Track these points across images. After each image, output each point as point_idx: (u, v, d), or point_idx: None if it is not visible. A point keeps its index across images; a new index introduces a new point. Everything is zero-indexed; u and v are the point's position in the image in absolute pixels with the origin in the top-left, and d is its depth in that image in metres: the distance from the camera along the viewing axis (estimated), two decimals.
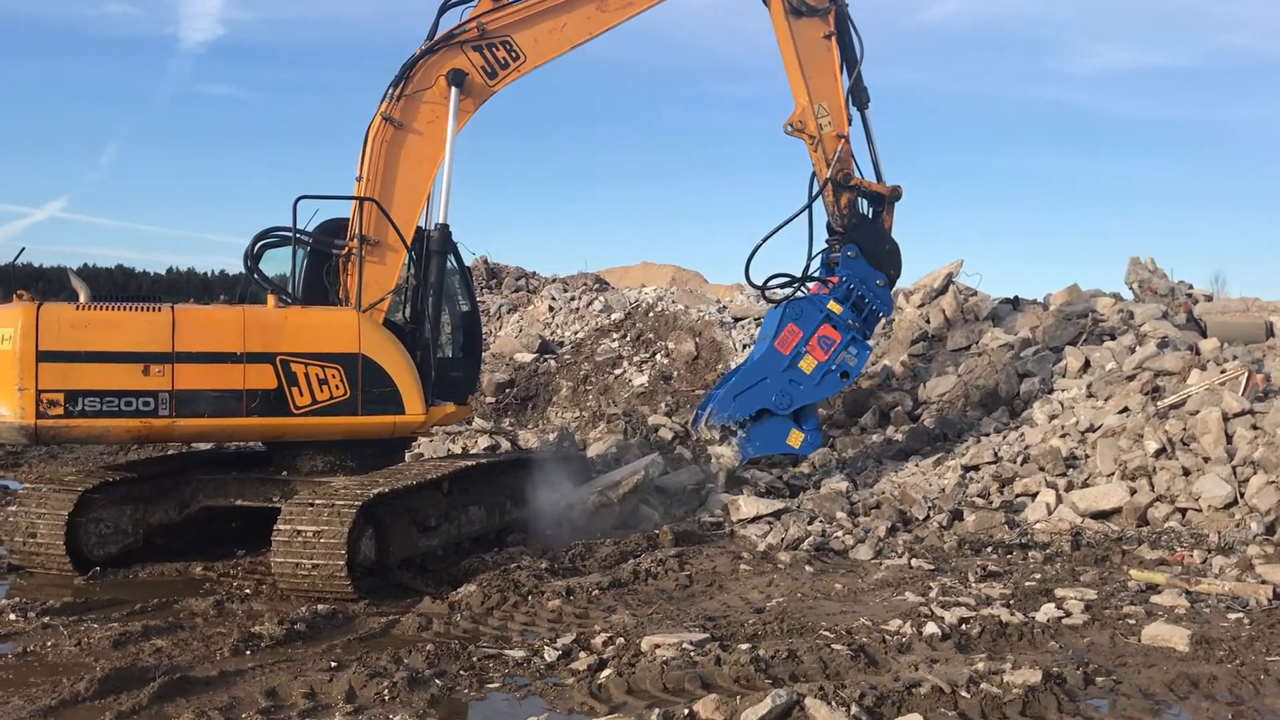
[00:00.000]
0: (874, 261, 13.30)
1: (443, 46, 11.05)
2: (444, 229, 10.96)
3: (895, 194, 13.56)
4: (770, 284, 13.61)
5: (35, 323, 9.08)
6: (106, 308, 9.45)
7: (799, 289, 13.46)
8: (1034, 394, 14.87)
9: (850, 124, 13.32)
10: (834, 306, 13.03)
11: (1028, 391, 15.01)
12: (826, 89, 13.15)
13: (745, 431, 13.08)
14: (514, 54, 11.32)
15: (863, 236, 13.28)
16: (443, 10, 11.38)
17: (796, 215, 13.14)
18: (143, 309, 9.51)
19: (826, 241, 13.50)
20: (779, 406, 12.94)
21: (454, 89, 10.94)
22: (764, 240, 12.90)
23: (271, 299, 10.06)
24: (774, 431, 13.11)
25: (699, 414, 13.46)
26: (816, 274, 13.50)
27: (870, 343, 13.76)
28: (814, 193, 13.18)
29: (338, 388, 9.92)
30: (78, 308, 9.36)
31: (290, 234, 10.42)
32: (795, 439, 13.19)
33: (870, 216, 13.53)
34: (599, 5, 11.78)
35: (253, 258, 10.42)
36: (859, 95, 13.53)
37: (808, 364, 12.96)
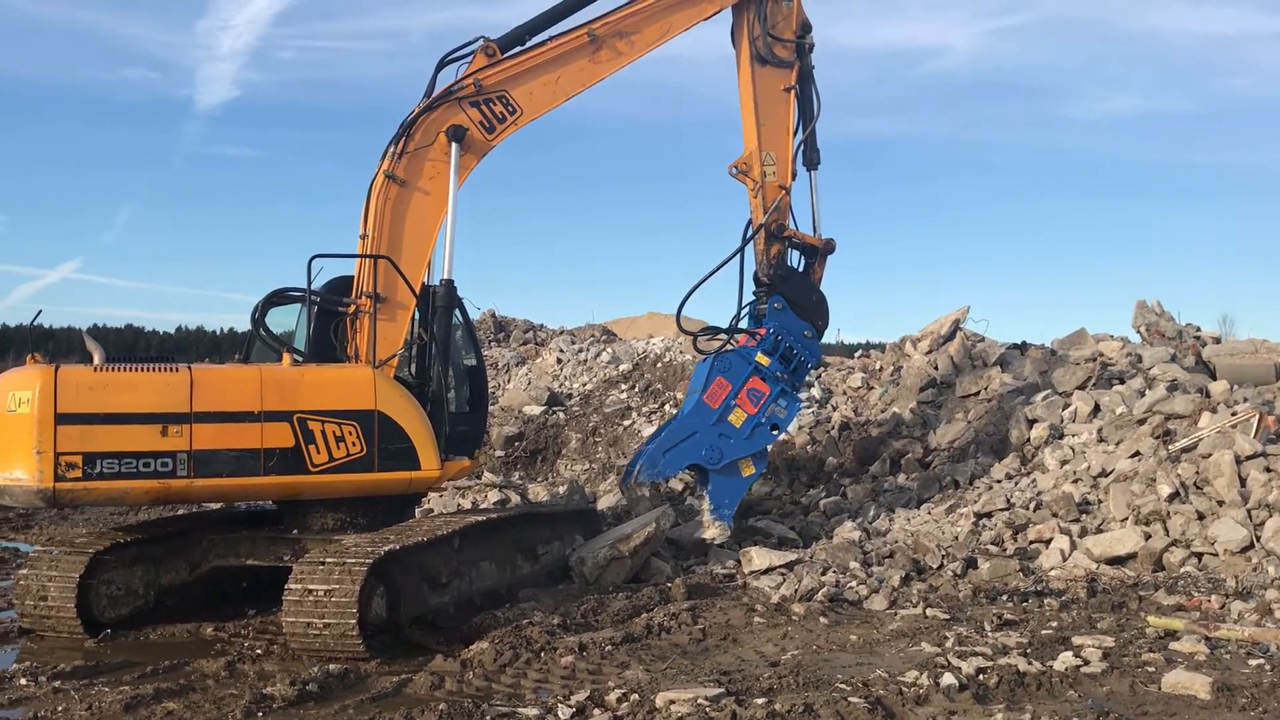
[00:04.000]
0: (801, 313, 13.18)
1: (441, 103, 11.21)
2: (449, 284, 11.05)
3: (828, 247, 13.54)
4: (701, 336, 13.59)
5: (54, 385, 9.07)
6: (124, 369, 9.45)
7: (729, 341, 13.36)
8: (1044, 439, 14.83)
9: (795, 178, 13.36)
10: (762, 359, 12.82)
11: (1038, 437, 14.97)
12: (777, 140, 13.23)
13: (709, 503, 12.75)
14: (511, 108, 11.50)
15: (790, 288, 13.20)
16: (440, 66, 11.53)
17: (727, 261, 13.10)
18: (160, 369, 9.53)
19: (754, 293, 13.41)
20: (709, 462, 12.61)
21: (454, 145, 11.09)
22: (695, 287, 12.88)
23: (287, 357, 10.10)
24: (729, 482, 12.80)
25: (629, 470, 13.07)
26: (745, 326, 13.41)
27: (800, 396, 13.49)
28: (746, 237, 13.15)
29: (354, 444, 9.93)
30: (94, 369, 9.37)
31: (302, 293, 10.51)
32: (748, 468, 12.91)
33: (801, 269, 13.52)
34: (591, 58, 12.00)
35: (260, 317, 10.49)
36: (810, 154, 13.62)
37: (737, 417, 12.67)
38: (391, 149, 10.99)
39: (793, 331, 13.07)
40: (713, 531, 12.58)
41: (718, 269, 13.05)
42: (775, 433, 13.07)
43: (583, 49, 11.95)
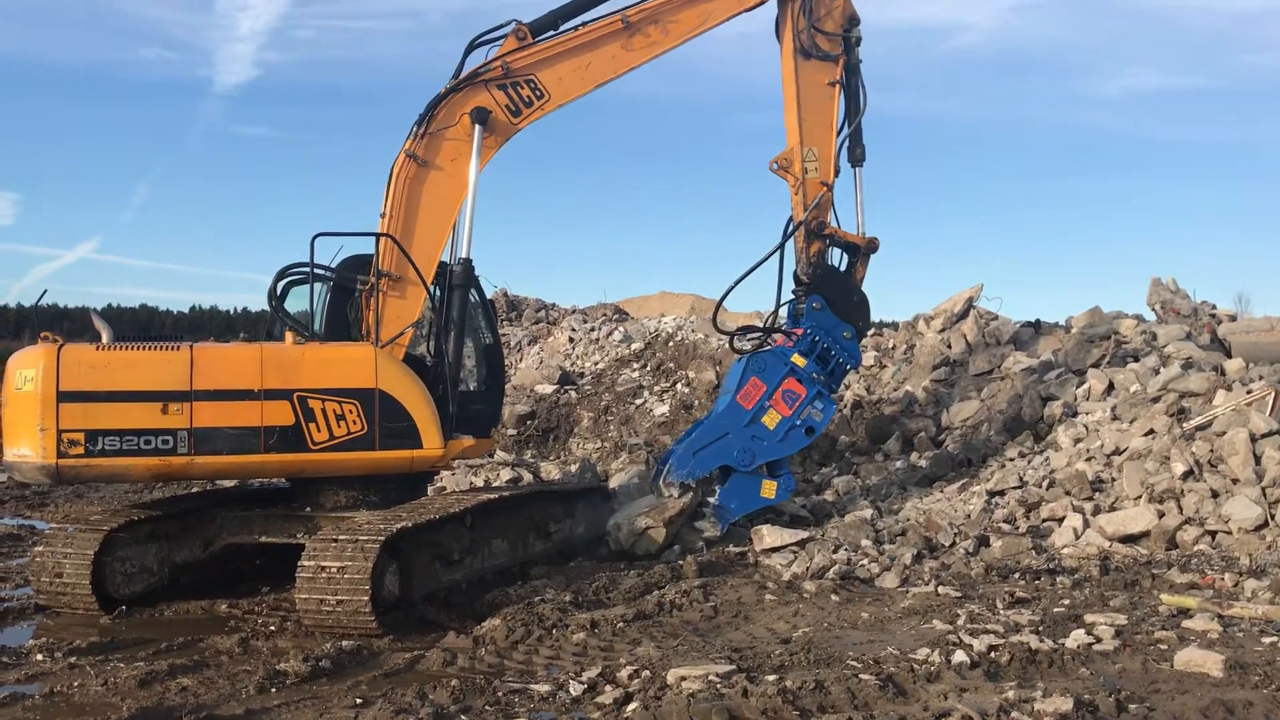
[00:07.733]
0: (841, 313, 12.83)
1: (467, 85, 11.14)
2: (466, 263, 11.05)
3: (871, 246, 13.14)
4: (737, 335, 13.27)
5: (56, 364, 9.24)
6: (126, 348, 9.57)
7: (766, 340, 12.99)
8: (1058, 417, 14.77)
9: (838, 174, 12.95)
10: (798, 360, 12.54)
11: (1051, 415, 14.91)
12: (820, 136, 12.84)
13: (716, 498, 12.46)
14: (538, 92, 11.38)
15: (830, 288, 12.85)
16: (469, 49, 11.42)
17: (766, 258, 12.71)
18: (161, 348, 9.63)
19: (793, 292, 13.04)
20: (741, 463, 12.37)
21: (478, 127, 11.02)
22: (733, 286, 12.61)
23: (290, 336, 10.13)
24: (746, 488, 12.52)
25: (659, 469, 12.78)
26: (783, 325, 13.10)
27: (835, 397, 13.10)
28: (786, 234, 12.79)
29: (355, 423, 9.98)
30: (98, 348, 9.48)
31: (311, 270, 10.51)
32: (769, 490, 12.58)
33: (842, 268, 13.18)
34: (624, 44, 11.80)
35: (277, 296, 10.51)
36: (855, 151, 13.18)
37: (771, 419, 12.43)
38: (415, 129, 10.97)
39: (831, 332, 12.74)
40: (706, 524, 12.26)
41: (755, 267, 12.67)
42: (810, 436, 12.78)
43: (615, 34, 11.74)
